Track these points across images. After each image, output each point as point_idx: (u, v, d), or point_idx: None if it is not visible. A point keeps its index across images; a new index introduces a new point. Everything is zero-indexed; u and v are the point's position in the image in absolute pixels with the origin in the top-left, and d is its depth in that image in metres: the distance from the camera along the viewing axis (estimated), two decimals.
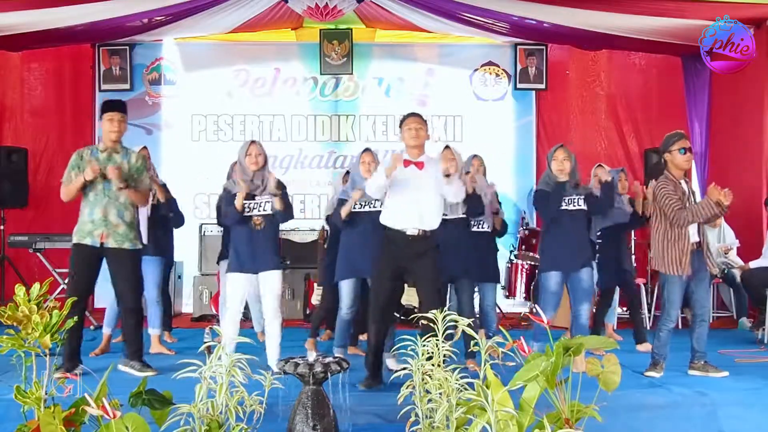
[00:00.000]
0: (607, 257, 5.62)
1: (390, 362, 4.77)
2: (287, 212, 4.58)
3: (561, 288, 4.73)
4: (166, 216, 5.58)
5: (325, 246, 5.76)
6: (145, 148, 5.59)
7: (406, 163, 4.30)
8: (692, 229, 4.52)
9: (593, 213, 4.93)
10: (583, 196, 4.76)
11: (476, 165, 5.33)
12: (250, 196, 4.49)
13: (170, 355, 5.29)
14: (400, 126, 4.42)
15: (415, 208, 4.26)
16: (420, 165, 4.31)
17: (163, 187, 5.58)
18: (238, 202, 4.42)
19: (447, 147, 5.00)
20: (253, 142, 4.63)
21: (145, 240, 5.16)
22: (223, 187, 4.76)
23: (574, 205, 4.73)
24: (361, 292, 5.04)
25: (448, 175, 4.25)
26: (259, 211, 4.50)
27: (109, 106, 4.65)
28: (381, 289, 4.36)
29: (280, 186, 4.56)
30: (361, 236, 4.82)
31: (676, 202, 4.43)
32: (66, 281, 4.60)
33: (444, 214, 4.53)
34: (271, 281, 4.52)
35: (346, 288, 4.95)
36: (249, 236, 4.50)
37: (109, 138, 4.55)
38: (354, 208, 4.89)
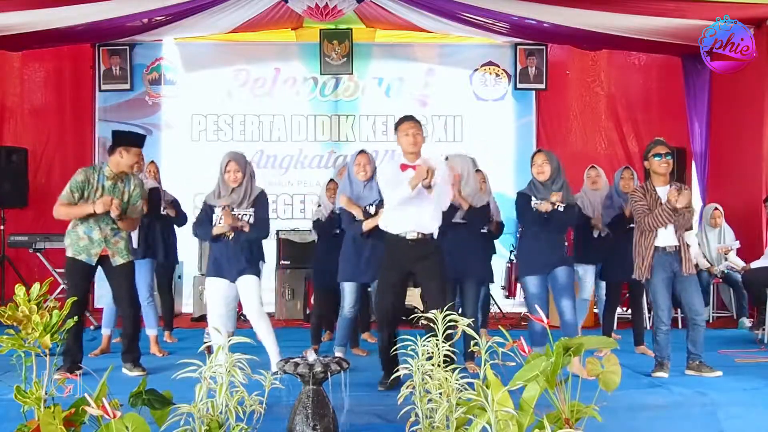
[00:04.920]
0: (616, 252, 5.42)
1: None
2: (257, 234, 4.51)
3: (543, 289, 4.64)
4: (160, 219, 5.60)
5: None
6: (153, 162, 5.76)
7: (404, 167, 4.24)
8: (663, 233, 4.55)
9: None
10: (563, 203, 4.63)
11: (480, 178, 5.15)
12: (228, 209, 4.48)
13: (168, 356, 5.28)
14: (396, 130, 4.33)
15: (413, 212, 4.18)
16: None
17: (172, 203, 5.80)
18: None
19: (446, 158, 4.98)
20: (230, 159, 4.47)
21: (135, 244, 5.25)
22: (204, 201, 4.63)
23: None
24: (361, 292, 5.05)
25: (428, 187, 4.06)
26: None
27: (133, 141, 4.64)
28: (388, 296, 4.27)
29: (261, 202, 4.52)
30: (361, 242, 4.80)
31: (642, 208, 4.56)
32: (66, 282, 4.65)
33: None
34: (246, 286, 4.48)
35: (348, 287, 4.94)
36: (225, 246, 4.49)
37: (124, 170, 4.57)
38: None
